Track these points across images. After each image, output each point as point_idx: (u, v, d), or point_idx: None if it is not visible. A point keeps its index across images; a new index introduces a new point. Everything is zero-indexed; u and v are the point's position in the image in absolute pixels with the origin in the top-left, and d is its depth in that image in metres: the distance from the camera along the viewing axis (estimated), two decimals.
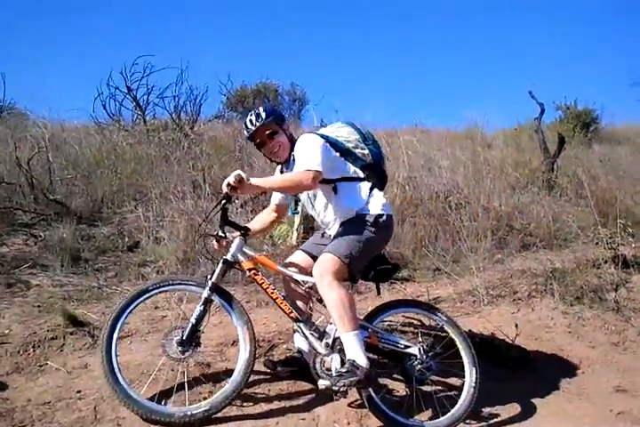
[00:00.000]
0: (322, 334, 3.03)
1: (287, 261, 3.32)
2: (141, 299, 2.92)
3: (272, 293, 3.04)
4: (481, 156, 7.91)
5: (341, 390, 2.77)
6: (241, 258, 3.05)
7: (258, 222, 3.46)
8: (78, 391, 3.04)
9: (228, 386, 2.91)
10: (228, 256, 3.03)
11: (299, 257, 3.30)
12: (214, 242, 3.19)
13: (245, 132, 3.20)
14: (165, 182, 6.27)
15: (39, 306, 3.84)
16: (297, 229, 5.34)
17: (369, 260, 3.14)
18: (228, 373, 3.05)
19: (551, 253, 5.75)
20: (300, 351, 3.29)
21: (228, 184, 2.76)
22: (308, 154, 3.01)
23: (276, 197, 3.45)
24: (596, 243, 5.57)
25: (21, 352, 3.33)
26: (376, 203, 3.19)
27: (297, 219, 5.37)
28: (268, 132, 3.15)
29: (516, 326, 3.93)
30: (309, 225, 5.45)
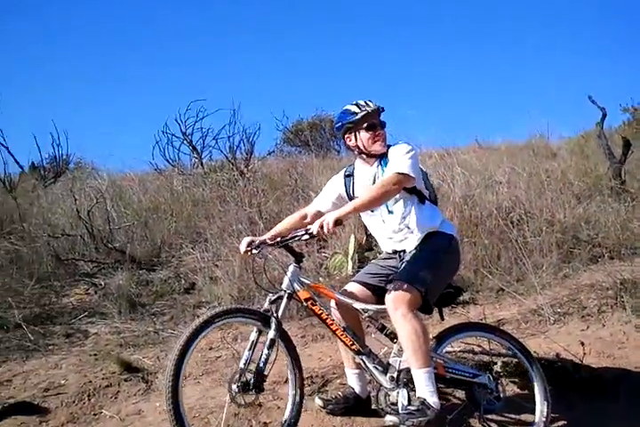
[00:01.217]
0: (386, 368, 2.91)
1: (342, 290, 3.14)
2: (206, 331, 2.67)
3: (331, 324, 2.90)
4: (541, 167, 7.64)
5: None
6: (297, 287, 2.88)
7: (287, 227, 3.14)
8: None
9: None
10: (284, 286, 2.87)
11: (352, 288, 3.12)
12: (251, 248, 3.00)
13: (358, 109, 3.01)
14: (221, 222, 6.35)
15: (96, 354, 3.91)
16: (352, 259, 5.26)
17: (444, 287, 3.02)
18: (281, 412, 2.97)
19: (621, 264, 5.39)
20: (352, 388, 3.18)
21: (322, 226, 2.65)
22: (403, 158, 2.91)
23: (326, 202, 3.21)
24: None
25: (76, 402, 3.37)
26: (450, 224, 3.11)
27: (351, 248, 5.30)
28: (379, 120, 3.07)
29: (582, 344, 3.67)
30: (364, 254, 5.37)
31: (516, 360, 3.24)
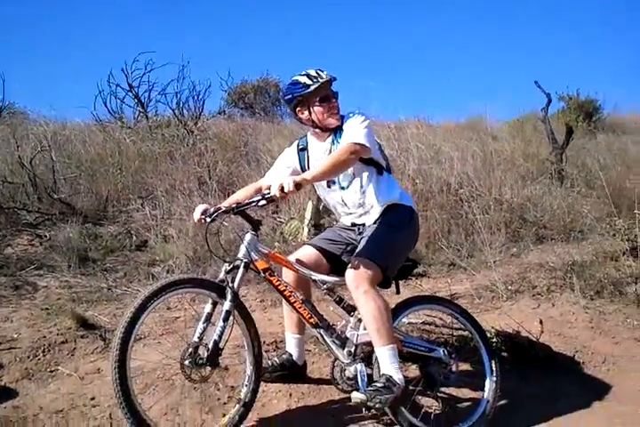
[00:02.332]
0: (344, 342, 2.85)
1: (294, 257, 3.00)
2: (156, 303, 2.53)
3: (289, 296, 2.79)
4: (490, 146, 7.79)
5: (377, 406, 2.59)
6: (255, 257, 2.74)
7: (242, 198, 2.95)
8: (92, 398, 2.92)
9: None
10: (241, 255, 2.72)
11: (307, 253, 3.02)
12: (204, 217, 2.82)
13: (310, 81, 2.85)
14: (171, 179, 6.16)
15: (47, 309, 3.73)
16: (308, 225, 5.23)
17: (403, 261, 3.00)
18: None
19: (567, 246, 5.61)
20: (290, 354, 3.13)
21: (282, 189, 2.51)
22: (358, 128, 2.84)
23: (280, 176, 2.99)
24: (613, 235, 5.44)
25: (31, 357, 3.22)
26: (408, 196, 3.08)
27: (308, 214, 5.26)
28: (332, 91, 2.96)
29: (541, 322, 3.81)
30: (320, 222, 5.34)
31: (469, 334, 3.29)
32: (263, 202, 2.66)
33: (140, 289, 4.03)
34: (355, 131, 2.83)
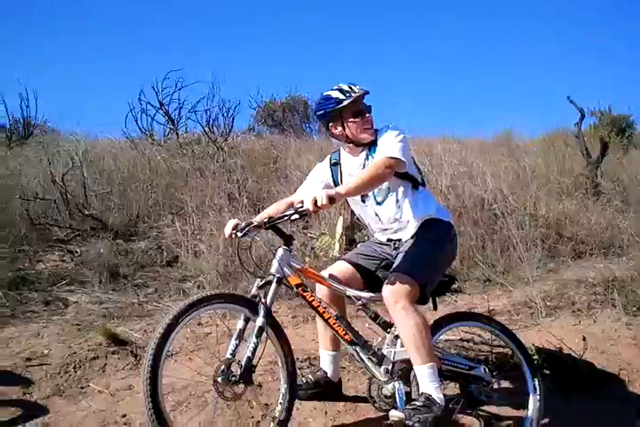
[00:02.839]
0: (380, 359, 2.75)
1: (327, 272, 2.92)
2: (188, 318, 2.46)
3: (324, 312, 2.70)
4: (523, 162, 7.67)
5: (416, 425, 2.47)
6: (287, 272, 2.65)
7: (274, 212, 2.86)
8: (123, 416, 2.87)
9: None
10: (273, 270, 2.63)
11: (341, 268, 2.94)
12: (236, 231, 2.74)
13: (343, 96, 2.79)
14: (201, 195, 6.14)
15: (78, 324, 3.70)
16: (339, 241, 5.14)
17: (441, 277, 2.91)
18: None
19: (606, 262, 5.45)
20: (324, 371, 3.03)
21: (315, 202, 2.44)
22: (393, 142, 2.77)
23: (314, 187, 2.98)
24: None
25: (62, 374, 3.18)
26: (445, 210, 3.00)
27: (339, 229, 5.17)
28: (365, 105, 2.90)
29: (584, 338, 3.65)
30: (352, 237, 5.25)
31: (510, 351, 3.17)
32: (296, 216, 2.58)
33: (171, 305, 3.98)
34: (390, 145, 2.77)
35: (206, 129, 8.49)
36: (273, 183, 6.89)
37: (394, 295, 2.61)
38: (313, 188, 3.01)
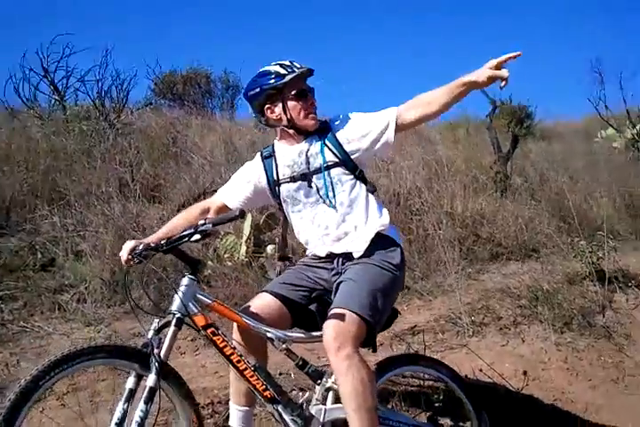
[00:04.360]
0: (308, 420, 2.20)
1: (248, 307, 2.32)
2: (47, 384, 1.84)
3: (239, 362, 2.14)
4: (437, 154, 7.38)
5: None
6: (193, 309, 2.11)
7: (183, 225, 2.31)
8: None
9: None
10: (175, 308, 2.08)
11: (263, 303, 2.34)
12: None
13: (284, 71, 2.32)
14: (87, 182, 5.39)
15: None
16: (246, 242, 4.59)
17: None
18: None
19: (524, 266, 5.22)
20: None
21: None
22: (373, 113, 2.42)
23: (237, 195, 2.54)
24: (574, 256, 5.06)
25: None
26: (395, 228, 2.51)
27: (246, 229, 4.62)
28: (309, 86, 2.43)
29: (525, 373, 3.35)
30: (260, 237, 4.72)
31: (460, 398, 2.61)
32: (197, 237, 2.07)
33: (44, 326, 3.30)
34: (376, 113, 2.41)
35: (97, 102, 7.60)
36: (171, 168, 6.21)
37: (337, 340, 2.07)
38: (239, 191, 2.57)
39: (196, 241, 2.10)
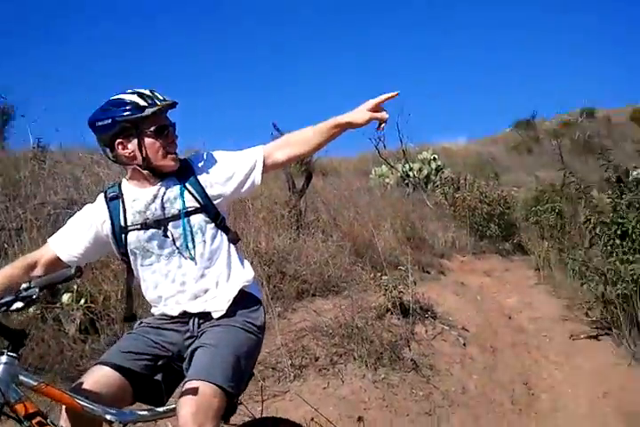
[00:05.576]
0: None
1: (81, 385, 1.92)
2: None
3: None
4: None
5: None
6: (13, 396, 1.69)
7: (5, 284, 1.96)
8: None
9: None
10: None
11: (99, 378, 1.96)
12: None
13: (144, 102, 2.02)
14: None
15: None
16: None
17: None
18: None
19: (330, 303, 5.28)
20: None
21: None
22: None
23: (72, 245, 2.16)
24: (379, 290, 5.25)
25: None
26: (256, 283, 2.26)
27: None
28: (171, 122, 2.14)
29: (360, 419, 3.30)
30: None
31: None
32: (18, 305, 1.69)
33: None
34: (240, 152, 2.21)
35: None
36: None
37: (198, 418, 1.77)
38: (74, 237, 2.16)
39: (18, 310, 1.72)
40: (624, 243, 5.41)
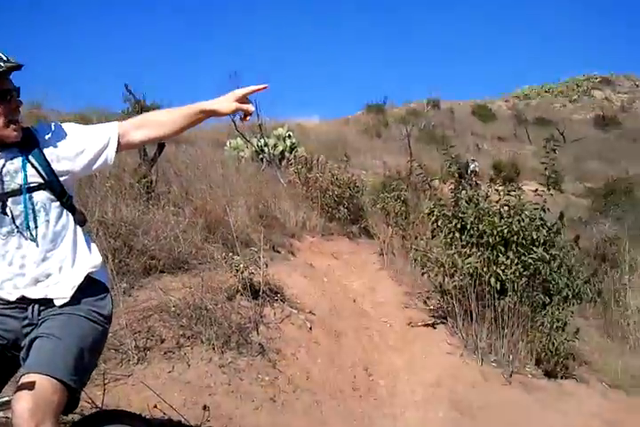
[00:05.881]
0: None
1: None
2: None
3: None
4: None
5: None
6: None
7: None
8: None
9: None
10: None
11: None
12: None
13: None
14: None
15: None
16: None
17: None
18: None
19: (179, 281, 5.07)
20: None
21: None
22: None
23: None
24: (229, 271, 5.13)
25: None
26: (104, 269, 2.10)
27: None
28: (13, 85, 1.86)
29: (205, 408, 3.18)
30: None
31: None
32: None
33: None
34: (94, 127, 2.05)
35: None
36: None
37: (36, 414, 1.63)
38: None
39: None
40: (463, 237, 5.72)
